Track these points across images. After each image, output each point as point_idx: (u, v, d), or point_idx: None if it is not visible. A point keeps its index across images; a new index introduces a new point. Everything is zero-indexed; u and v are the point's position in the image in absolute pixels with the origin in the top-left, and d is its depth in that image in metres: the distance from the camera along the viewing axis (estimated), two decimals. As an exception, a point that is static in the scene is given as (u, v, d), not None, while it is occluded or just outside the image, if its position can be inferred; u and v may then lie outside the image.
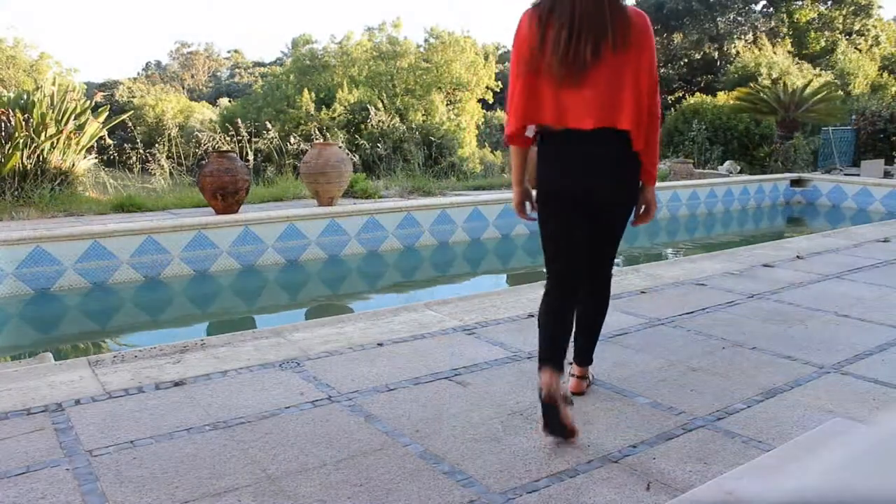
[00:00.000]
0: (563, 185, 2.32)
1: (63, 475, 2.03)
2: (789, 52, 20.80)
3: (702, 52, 25.95)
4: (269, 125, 12.54)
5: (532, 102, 2.25)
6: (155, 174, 10.26)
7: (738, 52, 21.20)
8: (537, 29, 2.20)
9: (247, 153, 11.22)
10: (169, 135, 11.28)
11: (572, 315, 2.43)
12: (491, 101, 22.29)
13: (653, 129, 2.27)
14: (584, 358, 2.64)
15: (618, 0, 2.19)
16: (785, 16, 25.49)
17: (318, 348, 3.19)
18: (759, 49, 20.48)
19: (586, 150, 2.27)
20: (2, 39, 20.08)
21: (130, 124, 13.36)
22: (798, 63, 18.94)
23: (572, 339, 2.51)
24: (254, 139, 11.71)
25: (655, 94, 2.27)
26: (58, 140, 8.36)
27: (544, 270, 2.45)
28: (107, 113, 9.63)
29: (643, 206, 2.41)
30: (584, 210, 2.32)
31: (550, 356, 2.27)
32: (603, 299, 2.59)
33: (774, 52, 19.53)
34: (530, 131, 2.33)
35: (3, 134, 7.94)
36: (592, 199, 2.31)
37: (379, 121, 14.68)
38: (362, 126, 14.44)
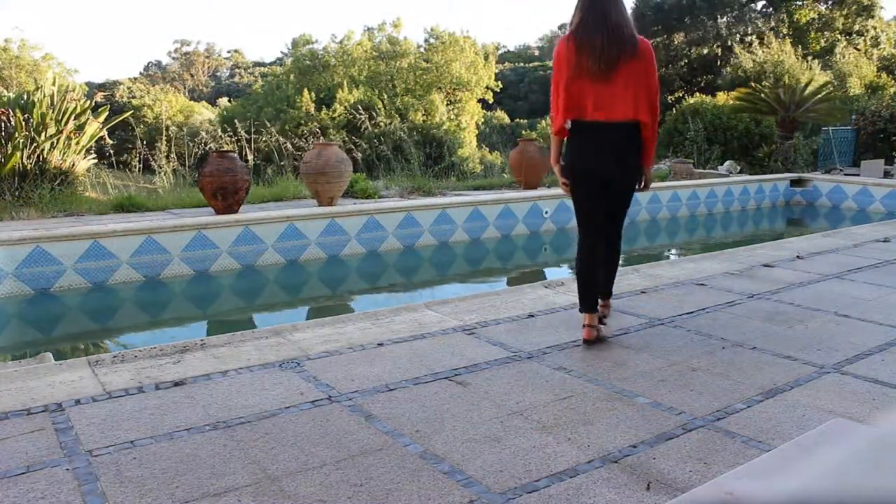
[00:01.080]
0: (588, 164, 3.22)
1: (63, 475, 2.03)
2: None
3: (702, 52, 25.96)
4: (269, 126, 12.53)
5: (574, 103, 3.13)
6: (157, 174, 10.26)
7: (738, 53, 21.10)
8: (575, 46, 3.09)
9: (247, 153, 11.22)
10: (169, 135, 11.26)
11: (596, 260, 3.34)
12: (491, 100, 22.28)
13: (655, 120, 3.20)
14: (606, 292, 3.56)
15: (631, 28, 3.12)
16: (785, 16, 25.47)
17: (317, 348, 3.19)
18: (767, 46, 20.36)
19: (607, 137, 3.16)
20: (8, 40, 20.08)
21: (130, 124, 13.34)
22: (806, 62, 18.83)
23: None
24: (254, 136, 11.70)
25: (658, 94, 3.22)
26: (58, 140, 8.36)
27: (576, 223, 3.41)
28: (107, 113, 9.62)
29: (643, 181, 3.36)
30: (602, 183, 3.22)
31: (583, 300, 3.29)
32: (614, 250, 3.46)
33: (782, 51, 19.41)
34: (568, 124, 3.18)
35: (3, 134, 7.94)
36: (609, 174, 3.22)
37: (378, 122, 14.67)
38: (363, 127, 14.43)
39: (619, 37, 3.06)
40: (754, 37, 23.44)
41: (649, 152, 3.25)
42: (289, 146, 12.06)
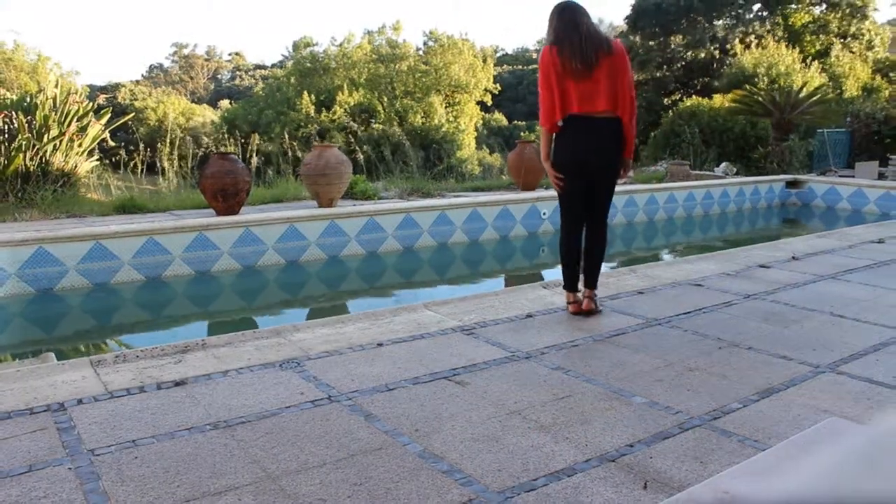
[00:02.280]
0: (575, 156, 3.55)
1: (65, 474, 2.05)
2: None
3: (699, 55, 25.96)
4: (272, 126, 12.55)
5: (562, 100, 3.47)
6: (160, 175, 10.27)
7: (735, 53, 21.05)
8: (558, 51, 3.43)
9: (249, 155, 11.24)
10: (171, 137, 11.28)
11: (579, 244, 3.75)
12: (489, 103, 22.31)
13: (633, 113, 3.54)
14: (591, 282, 3.79)
15: (602, 32, 3.51)
16: (780, 19, 25.48)
17: (318, 348, 3.21)
18: (763, 47, 20.33)
19: (591, 130, 3.49)
20: (1, 42, 20.09)
21: (132, 126, 13.35)
22: (804, 64, 18.81)
23: (582, 270, 3.77)
24: (254, 138, 11.72)
25: (634, 89, 3.56)
26: (60, 142, 8.38)
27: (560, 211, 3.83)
28: (109, 115, 9.64)
29: (622, 169, 3.67)
30: (587, 172, 3.56)
31: (568, 280, 3.78)
32: (602, 238, 3.76)
33: (778, 53, 19.37)
34: (560, 121, 3.51)
35: (5, 136, 7.96)
36: (593, 163, 3.55)
37: (378, 124, 14.69)
38: (362, 129, 14.45)
39: (595, 38, 3.42)
40: (752, 37, 23.44)
41: (629, 142, 3.57)
42: (288, 145, 12.08)
